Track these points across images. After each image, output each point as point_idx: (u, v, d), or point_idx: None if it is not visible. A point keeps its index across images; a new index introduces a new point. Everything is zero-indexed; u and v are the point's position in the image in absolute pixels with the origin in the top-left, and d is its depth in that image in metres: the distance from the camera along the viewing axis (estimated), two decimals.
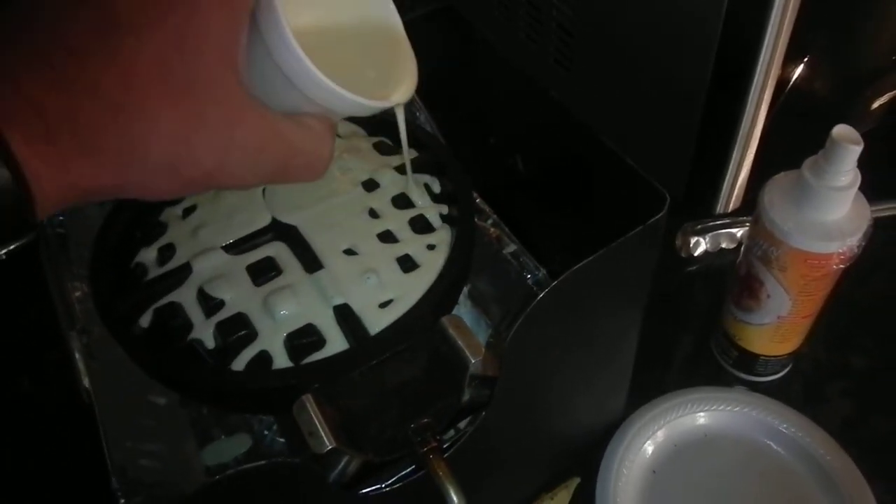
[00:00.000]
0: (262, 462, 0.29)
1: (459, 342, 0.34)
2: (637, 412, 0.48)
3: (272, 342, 0.36)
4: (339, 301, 0.37)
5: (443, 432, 0.34)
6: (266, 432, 0.45)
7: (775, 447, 0.48)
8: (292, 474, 0.30)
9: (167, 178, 0.24)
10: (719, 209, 0.58)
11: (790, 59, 0.50)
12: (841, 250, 0.41)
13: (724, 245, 0.60)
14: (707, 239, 0.59)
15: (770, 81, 0.50)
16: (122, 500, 0.39)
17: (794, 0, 0.45)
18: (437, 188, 0.44)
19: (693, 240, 0.59)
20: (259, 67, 0.25)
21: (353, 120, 0.47)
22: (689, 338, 0.55)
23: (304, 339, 0.36)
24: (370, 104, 0.28)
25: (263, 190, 0.42)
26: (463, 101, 0.56)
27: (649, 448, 0.48)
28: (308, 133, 0.27)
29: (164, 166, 0.23)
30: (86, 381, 0.44)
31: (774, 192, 0.43)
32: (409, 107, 0.58)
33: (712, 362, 0.53)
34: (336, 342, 0.36)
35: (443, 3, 0.74)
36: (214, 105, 0.23)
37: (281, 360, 0.35)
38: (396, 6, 0.69)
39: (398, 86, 0.32)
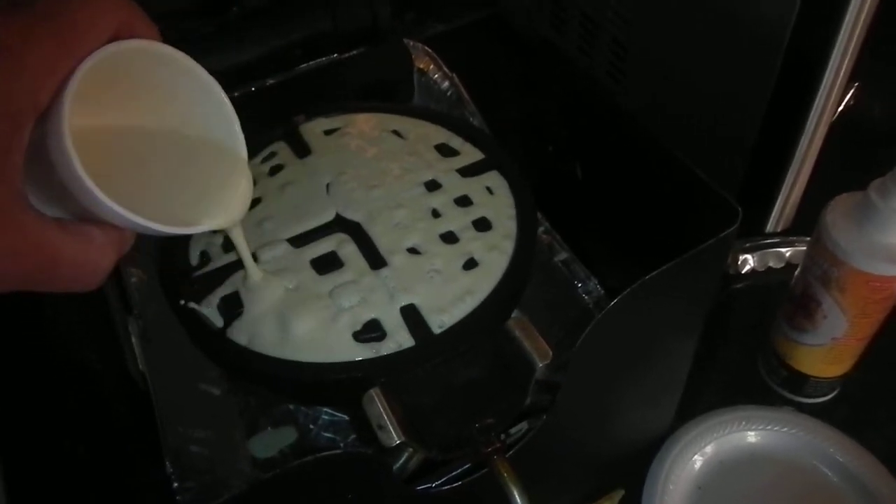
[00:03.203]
0: (339, 451, 0.29)
1: (526, 345, 0.35)
2: (684, 427, 0.48)
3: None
4: (403, 298, 0.37)
5: (505, 433, 0.34)
6: (311, 426, 0.45)
7: (823, 470, 0.47)
8: (361, 466, 0.31)
9: None
10: (769, 228, 0.58)
11: (851, 81, 0.50)
12: None
13: (771, 264, 0.59)
14: (755, 257, 0.59)
15: (831, 104, 0.50)
16: (176, 485, 0.40)
17: (862, 23, 0.45)
18: (498, 191, 0.44)
19: (741, 257, 0.58)
20: (39, 173, 0.24)
21: (420, 116, 0.48)
22: (735, 355, 0.55)
23: (368, 334, 0.36)
24: (159, 228, 0.25)
25: (328, 185, 0.42)
26: (518, 106, 0.56)
27: (696, 464, 0.47)
28: (83, 244, 0.25)
29: None
30: (141, 365, 0.44)
31: (837, 213, 0.43)
32: (462, 111, 0.58)
33: (758, 381, 0.53)
34: (400, 339, 0.36)
35: (493, 11, 0.74)
36: None
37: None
38: (446, 13, 0.69)
39: (218, 212, 0.30)
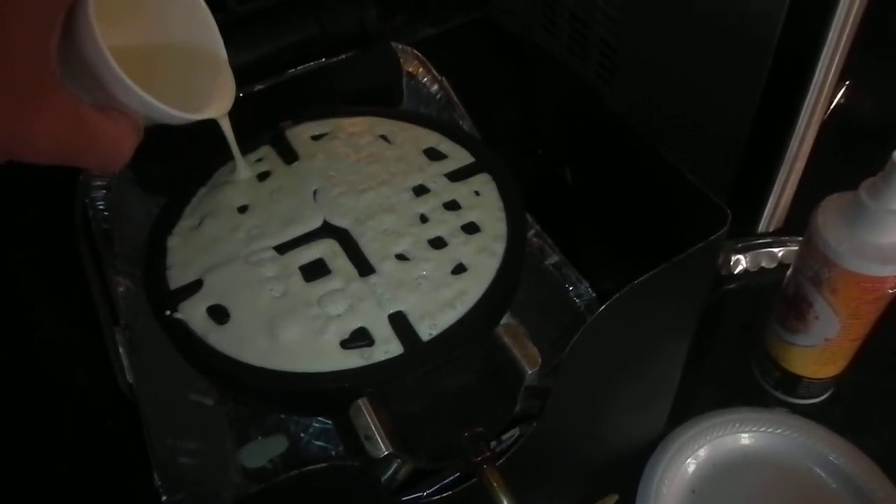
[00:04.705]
0: (324, 465, 0.29)
1: (515, 352, 0.34)
2: (677, 430, 0.48)
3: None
4: (391, 306, 0.37)
5: (496, 440, 0.34)
6: (302, 434, 0.45)
7: (817, 471, 0.47)
8: (348, 478, 0.30)
9: None
10: (761, 228, 0.58)
11: (841, 80, 0.50)
12: None
13: (763, 264, 0.59)
14: (747, 257, 0.58)
15: (822, 102, 0.50)
16: (165, 498, 0.39)
17: (851, 21, 0.45)
18: (487, 194, 0.43)
19: (733, 258, 0.58)
20: (72, 61, 0.27)
21: (409, 120, 0.47)
22: (728, 357, 0.55)
23: (356, 342, 0.36)
24: (172, 112, 0.30)
25: (315, 192, 0.42)
26: (508, 110, 0.56)
27: (689, 467, 0.47)
28: (113, 127, 0.29)
29: None
30: (129, 377, 0.44)
31: (828, 214, 0.43)
32: (452, 114, 0.58)
33: (751, 382, 0.53)
34: (388, 347, 0.36)
35: (483, 13, 0.74)
36: (18, 84, 0.25)
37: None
38: (436, 15, 0.69)
39: (212, 103, 0.36)
